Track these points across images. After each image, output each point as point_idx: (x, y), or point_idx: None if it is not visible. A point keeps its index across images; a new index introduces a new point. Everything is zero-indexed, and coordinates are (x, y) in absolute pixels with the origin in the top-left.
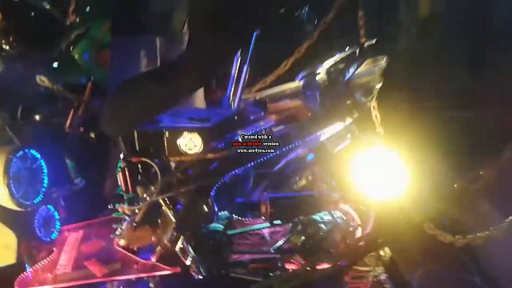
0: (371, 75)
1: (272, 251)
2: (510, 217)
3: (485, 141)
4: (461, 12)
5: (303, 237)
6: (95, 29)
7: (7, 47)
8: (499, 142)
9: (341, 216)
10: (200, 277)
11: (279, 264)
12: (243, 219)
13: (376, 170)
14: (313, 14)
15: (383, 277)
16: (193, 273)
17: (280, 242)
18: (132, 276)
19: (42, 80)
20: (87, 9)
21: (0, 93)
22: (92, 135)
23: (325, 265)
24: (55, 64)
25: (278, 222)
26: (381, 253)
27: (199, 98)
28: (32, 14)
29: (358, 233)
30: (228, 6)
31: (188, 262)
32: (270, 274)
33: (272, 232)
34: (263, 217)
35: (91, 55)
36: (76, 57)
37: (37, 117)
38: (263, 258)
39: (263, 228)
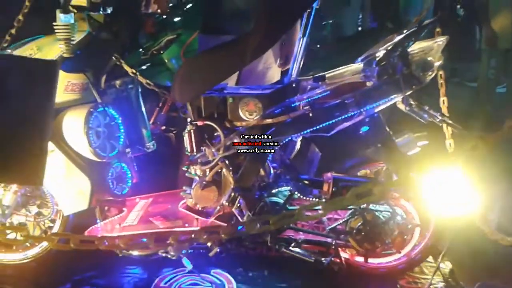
0: (429, 50)
1: (328, 232)
2: None
3: None
4: None
5: (360, 223)
6: (184, 36)
7: (94, 22)
8: None
9: (402, 212)
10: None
11: (332, 247)
12: (304, 197)
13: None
14: None
15: (440, 285)
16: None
17: (337, 223)
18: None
19: (134, 73)
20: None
21: (88, 55)
22: (172, 133)
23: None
24: (146, 66)
25: None
26: (441, 263)
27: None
28: None
29: (416, 234)
30: None
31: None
32: (323, 258)
33: (330, 217)
34: (324, 196)
35: (179, 59)
36: (166, 60)
37: (118, 83)
38: (317, 240)
39: None
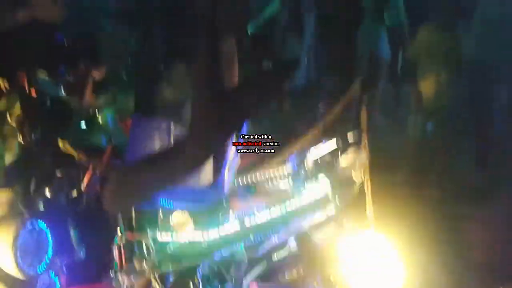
0: (353, 167)
1: None
2: None
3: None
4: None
5: None
6: (121, 100)
7: (24, 138)
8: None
9: None
10: None
11: None
12: None
13: (365, 262)
14: None
15: None
16: None
17: None
18: None
19: (65, 146)
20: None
21: (17, 173)
22: None
23: None
24: (83, 126)
25: None
26: None
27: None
28: (49, 104)
29: None
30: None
31: None
32: None
33: None
34: None
35: (114, 122)
36: (101, 122)
37: (47, 191)
38: None
39: None
